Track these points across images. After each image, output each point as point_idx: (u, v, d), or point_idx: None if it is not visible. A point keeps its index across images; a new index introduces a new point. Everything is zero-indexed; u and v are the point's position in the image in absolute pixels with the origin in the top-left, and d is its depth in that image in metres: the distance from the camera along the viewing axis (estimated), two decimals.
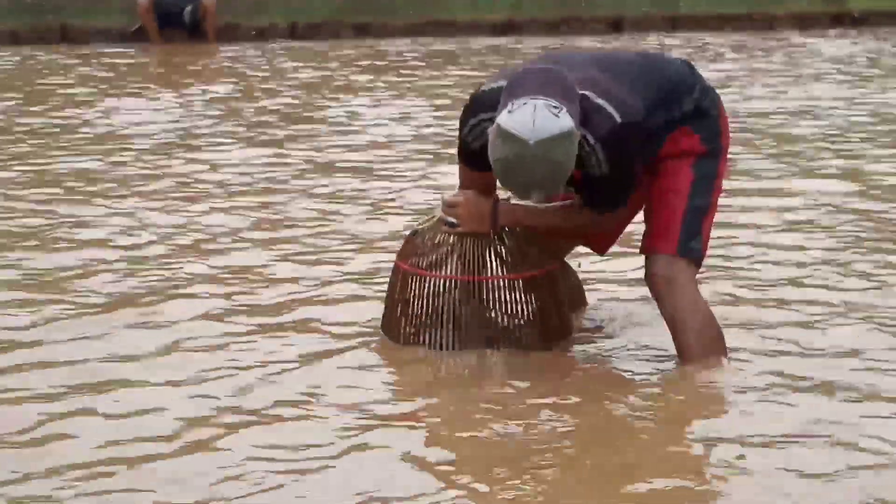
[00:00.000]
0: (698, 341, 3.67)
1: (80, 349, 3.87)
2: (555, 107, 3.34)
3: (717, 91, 3.79)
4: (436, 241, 3.81)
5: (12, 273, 4.73)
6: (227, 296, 4.46)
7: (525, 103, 3.35)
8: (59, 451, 3.15)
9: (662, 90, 3.62)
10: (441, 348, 3.82)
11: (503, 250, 3.79)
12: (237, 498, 2.90)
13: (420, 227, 3.88)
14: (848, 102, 8.78)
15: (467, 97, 3.71)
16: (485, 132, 3.47)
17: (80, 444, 3.19)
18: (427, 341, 3.83)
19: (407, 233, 3.99)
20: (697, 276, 3.73)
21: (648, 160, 3.66)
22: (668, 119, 3.62)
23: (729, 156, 3.80)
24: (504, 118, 3.36)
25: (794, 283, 4.59)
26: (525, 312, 3.84)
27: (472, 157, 3.63)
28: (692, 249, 3.66)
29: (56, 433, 3.26)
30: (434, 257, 3.81)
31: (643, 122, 3.53)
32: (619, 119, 3.47)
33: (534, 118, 3.32)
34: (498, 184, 3.59)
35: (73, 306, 4.31)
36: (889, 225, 5.47)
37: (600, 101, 3.48)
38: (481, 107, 3.57)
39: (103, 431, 3.26)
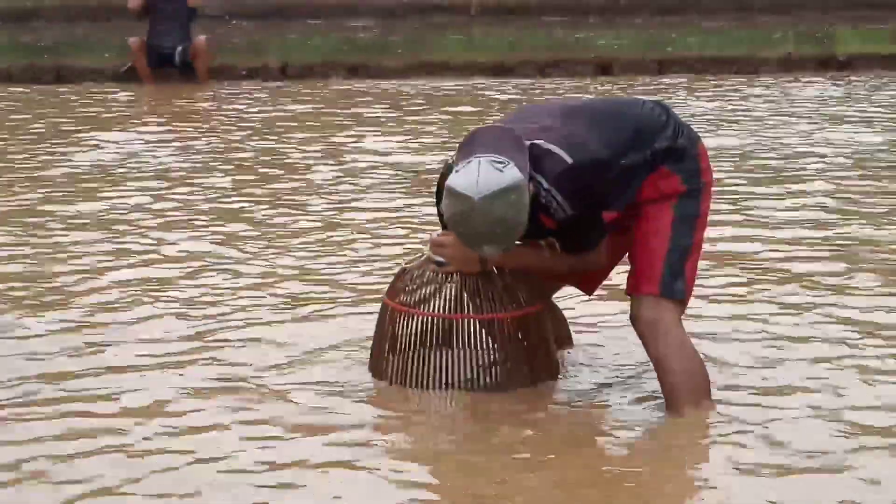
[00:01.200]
0: (684, 383, 3.69)
1: None
2: (499, 162, 3.42)
3: (701, 132, 3.82)
4: (424, 280, 3.84)
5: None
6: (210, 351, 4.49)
7: (470, 161, 3.45)
8: None
9: (632, 131, 3.67)
10: (426, 386, 3.84)
11: (491, 290, 3.82)
12: None
13: (409, 265, 3.92)
14: (831, 143, 8.84)
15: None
16: None
17: None
18: (413, 379, 3.85)
19: (396, 271, 4.02)
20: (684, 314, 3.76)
21: (627, 203, 3.70)
22: (643, 158, 3.67)
23: (713, 191, 3.84)
24: (451, 178, 3.47)
25: (781, 322, 4.60)
26: (512, 351, 3.87)
27: None
28: (676, 290, 3.69)
29: None
30: (422, 295, 3.84)
31: (606, 161, 3.58)
32: (569, 160, 3.54)
33: (478, 175, 3.41)
34: None
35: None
36: (878, 263, 5.51)
37: (550, 146, 3.55)
38: None
39: None
